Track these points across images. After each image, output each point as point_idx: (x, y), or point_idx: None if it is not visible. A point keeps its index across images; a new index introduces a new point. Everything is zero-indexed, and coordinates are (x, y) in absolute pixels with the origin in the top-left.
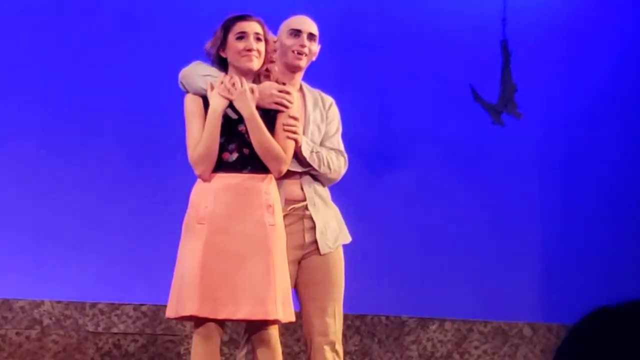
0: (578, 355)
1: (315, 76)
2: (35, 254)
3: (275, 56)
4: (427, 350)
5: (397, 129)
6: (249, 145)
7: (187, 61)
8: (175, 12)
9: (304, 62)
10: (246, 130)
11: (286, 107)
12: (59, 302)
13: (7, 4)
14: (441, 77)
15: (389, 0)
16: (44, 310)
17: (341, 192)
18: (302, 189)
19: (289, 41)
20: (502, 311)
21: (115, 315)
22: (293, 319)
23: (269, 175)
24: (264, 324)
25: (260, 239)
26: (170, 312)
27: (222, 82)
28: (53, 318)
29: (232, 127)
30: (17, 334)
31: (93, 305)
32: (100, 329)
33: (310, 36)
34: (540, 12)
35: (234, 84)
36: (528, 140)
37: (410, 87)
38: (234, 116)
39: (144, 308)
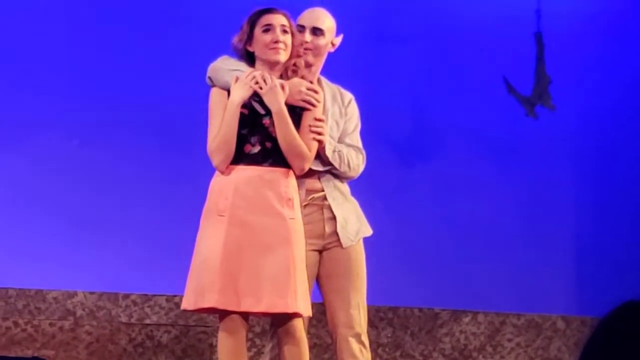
0: (608, 347)
1: (348, 68)
2: (69, 245)
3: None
4: (460, 343)
5: (430, 122)
6: (272, 139)
7: (212, 52)
8: (202, 4)
9: (310, 58)
10: (270, 124)
11: (314, 105)
12: (92, 293)
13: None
14: (475, 70)
15: None
16: (77, 301)
17: (373, 184)
18: (320, 183)
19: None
20: (536, 304)
21: (148, 306)
22: (309, 313)
23: (290, 170)
24: (288, 316)
25: (281, 232)
26: (187, 304)
27: (253, 76)
28: (86, 309)
29: (256, 120)
30: (51, 324)
31: (126, 296)
32: (133, 320)
33: (315, 30)
34: (575, 4)
35: (264, 79)
36: (562, 133)
37: (443, 79)
38: (262, 111)
39: (176, 299)
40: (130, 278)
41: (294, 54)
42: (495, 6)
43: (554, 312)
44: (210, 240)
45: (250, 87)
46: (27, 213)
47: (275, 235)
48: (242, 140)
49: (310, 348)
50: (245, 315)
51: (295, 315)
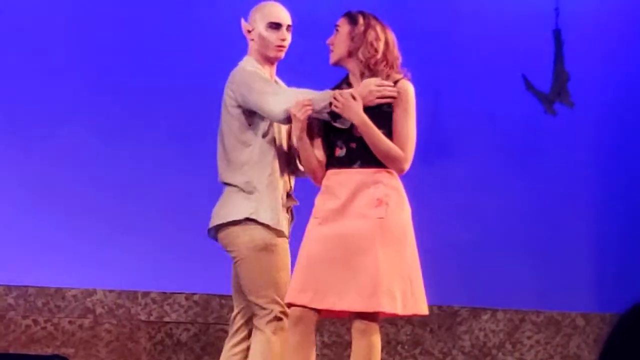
0: (627, 344)
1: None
2: (88, 243)
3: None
4: (479, 340)
5: (449, 118)
6: (355, 139)
7: (221, 51)
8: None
9: (283, 54)
10: (352, 124)
11: (393, 97)
12: (111, 291)
13: None
14: (494, 67)
15: None
16: (97, 299)
17: None
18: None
19: (270, 35)
20: (555, 301)
21: (168, 304)
22: (418, 311)
23: (381, 169)
24: (364, 314)
25: (365, 233)
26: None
27: (302, 105)
28: (106, 307)
29: (328, 126)
30: (70, 322)
31: (145, 294)
32: (152, 318)
33: (288, 27)
34: (593, 1)
35: (337, 97)
36: (580, 130)
37: (462, 76)
38: (344, 126)
39: (195, 297)
40: (149, 276)
41: (366, 54)
42: (514, 3)
43: (573, 309)
44: (306, 241)
45: (300, 116)
46: (47, 212)
47: (359, 237)
48: (331, 144)
49: (330, 346)
50: (318, 313)
51: (373, 314)
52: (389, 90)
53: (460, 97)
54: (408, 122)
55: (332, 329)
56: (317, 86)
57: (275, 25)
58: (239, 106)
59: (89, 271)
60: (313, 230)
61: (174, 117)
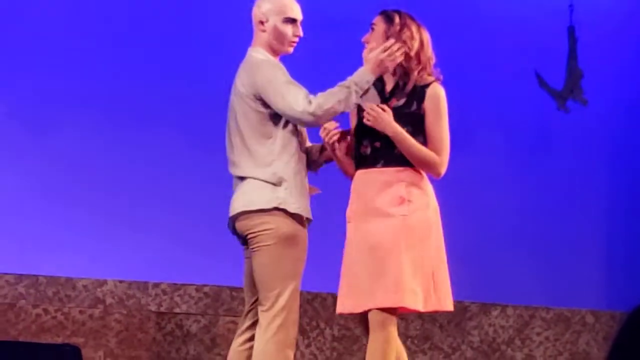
0: (636, 341)
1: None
2: (99, 234)
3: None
4: (488, 336)
5: (460, 114)
6: (380, 137)
7: (224, 51)
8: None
9: (292, 50)
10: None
11: (401, 58)
12: (121, 281)
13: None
14: (507, 63)
15: None
16: (107, 290)
17: None
18: None
19: (286, 29)
20: (565, 298)
21: (178, 295)
22: (440, 308)
23: (405, 168)
24: (384, 308)
25: (389, 231)
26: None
27: (328, 131)
28: (116, 297)
29: (360, 124)
30: (80, 312)
31: (156, 285)
32: (162, 309)
33: (300, 23)
34: None
35: (368, 112)
36: (593, 127)
37: (475, 72)
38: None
39: (206, 289)
40: (160, 267)
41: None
42: (529, 0)
43: (583, 307)
44: (345, 245)
45: (329, 140)
46: (60, 203)
47: (383, 236)
48: (359, 142)
49: (339, 339)
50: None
51: (391, 308)
52: (397, 50)
53: (473, 93)
54: (441, 126)
55: (342, 322)
56: (316, 81)
57: (292, 21)
58: (259, 98)
59: (100, 261)
60: (348, 233)
61: (183, 111)
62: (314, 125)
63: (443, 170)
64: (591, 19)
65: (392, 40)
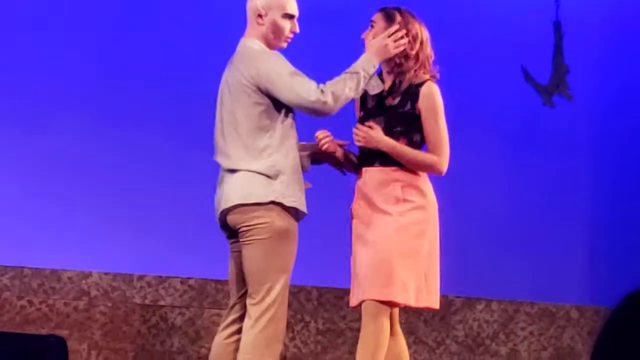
0: (621, 336)
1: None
2: (84, 226)
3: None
4: (473, 330)
5: (446, 110)
6: None
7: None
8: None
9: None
10: (373, 123)
11: (404, 46)
12: (106, 273)
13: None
14: (493, 57)
15: None
16: (92, 282)
17: None
18: None
19: (285, 25)
20: (550, 292)
21: (163, 288)
22: (430, 304)
23: (402, 168)
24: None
25: (384, 229)
26: None
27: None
28: (101, 289)
29: (362, 122)
30: (65, 304)
31: (141, 278)
32: (147, 302)
33: (296, 19)
34: None
35: (356, 133)
36: (579, 122)
37: (461, 66)
38: (380, 88)
39: (191, 282)
40: (144, 260)
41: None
42: None
43: (567, 302)
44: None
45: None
46: (44, 194)
47: (378, 232)
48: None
49: (324, 333)
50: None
51: (384, 301)
52: (401, 38)
53: (459, 88)
54: (438, 124)
55: (327, 315)
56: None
57: (290, 17)
58: (262, 89)
59: (85, 253)
60: (352, 228)
61: (169, 108)
62: (326, 115)
63: (444, 167)
64: (577, 14)
65: (396, 26)
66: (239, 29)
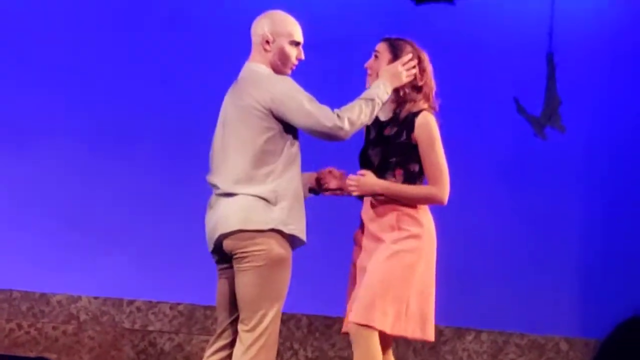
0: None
1: (362, 88)
2: (74, 250)
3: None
4: None
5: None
6: (372, 168)
7: (216, 60)
8: (209, 15)
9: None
10: (371, 153)
11: (414, 76)
12: (96, 297)
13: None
14: (486, 88)
15: (434, 12)
16: (81, 306)
17: None
18: None
19: (292, 52)
20: (539, 324)
21: (152, 313)
22: (409, 334)
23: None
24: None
25: (376, 255)
26: None
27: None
28: (90, 314)
29: (364, 152)
30: (54, 328)
31: (130, 303)
32: (136, 327)
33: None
34: (587, 26)
35: (349, 184)
36: (571, 154)
37: (454, 97)
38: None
39: (180, 307)
40: (134, 284)
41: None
42: (508, 26)
43: (557, 333)
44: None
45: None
46: (34, 216)
47: (371, 258)
48: (362, 167)
49: None
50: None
51: (364, 326)
52: (413, 67)
53: (451, 118)
54: (436, 154)
55: (316, 343)
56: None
57: (297, 44)
58: (273, 114)
59: (75, 277)
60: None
61: (162, 129)
62: (340, 140)
63: (445, 197)
64: (570, 47)
65: (409, 55)
66: (233, 51)
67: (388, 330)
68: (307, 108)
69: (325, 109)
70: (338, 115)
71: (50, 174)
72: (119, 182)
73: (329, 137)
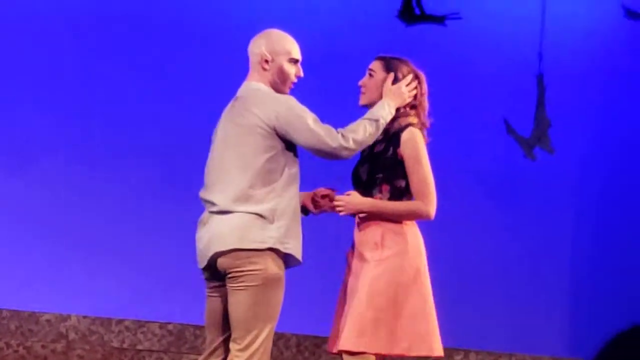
0: None
1: (354, 106)
2: (63, 269)
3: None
4: None
5: (430, 159)
6: (360, 184)
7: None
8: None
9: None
10: (356, 174)
11: (415, 96)
12: (85, 317)
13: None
14: (476, 109)
15: (425, 32)
16: (70, 325)
17: None
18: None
19: (291, 70)
20: (528, 344)
21: (141, 332)
22: (391, 351)
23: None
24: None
25: (361, 275)
26: None
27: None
28: (79, 333)
29: (354, 169)
30: (43, 347)
31: (119, 322)
32: (125, 346)
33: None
34: (577, 48)
35: (337, 205)
36: (560, 176)
37: (444, 118)
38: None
39: (170, 327)
40: (123, 304)
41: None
42: (498, 48)
43: (545, 354)
44: None
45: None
46: (23, 235)
47: (357, 278)
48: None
49: None
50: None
51: (347, 352)
52: (414, 88)
53: (441, 139)
54: (422, 169)
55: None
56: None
57: (295, 61)
58: (277, 133)
59: (64, 297)
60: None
61: (153, 148)
62: (343, 159)
63: (432, 211)
64: (560, 69)
65: (411, 76)
66: (225, 68)
67: (383, 351)
68: (311, 127)
69: (330, 128)
70: (342, 135)
71: (40, 192)
72: (109, 201)
73: (332, 156)
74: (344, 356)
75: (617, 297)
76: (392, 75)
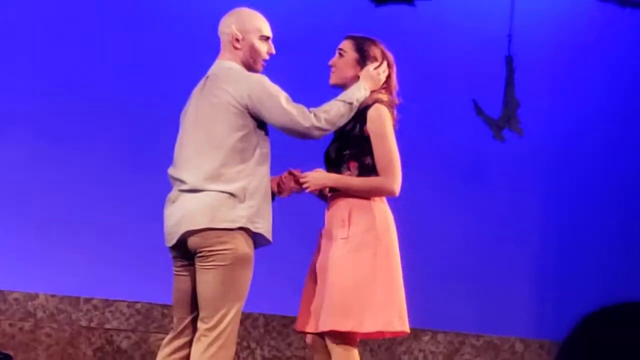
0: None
1: (323, 85)
2: (32, 247)
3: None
4: None
5: (398, 140)
6: (330, 163)
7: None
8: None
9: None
10: (327, 153)
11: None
12: (53, 295)
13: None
14: (444, 91)
15: (394, 13)
16: (38, 304)
17: None
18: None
19: (262, 47)
20: (495, 325)
21: (109, 311)
22: (366, 328)
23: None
24: (322, 334)
25: (330, 254)
26: None
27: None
28: (47, 311)
29: (327, 149)
30: (11, 325)
31: (87, 301)
32: (93, 325)
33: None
34: (546, 29)
35: (303, 183)
36: (528, 157)
37: (413, 98)
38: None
39: (137, 305)
40: (91, 283)
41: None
42: (467, 30)
43: (512, 334)
44: None
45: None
46: None
47: (326, 259)
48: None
49: None
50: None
51: (328, 333)
52: (384, 71)
53: (410, 119)
54: (386, 145)
55: (273, 343)
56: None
57: (266, 38)
58: (250, 111)
59: (32, 275)
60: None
61: (120, 124)
62: (314, 139)
63: (396, 188)
64: (529, 50)
65: (385, 60)
66: (197, 48)
67: (364, 329)
68: (284, 106)
69: (302, 108)
70: (315, 115)
71: (3, 169)
72: (75, 179)
73: (303, 136)
74: (327, 337)
75: (585, 279)
76: (375, 61)
